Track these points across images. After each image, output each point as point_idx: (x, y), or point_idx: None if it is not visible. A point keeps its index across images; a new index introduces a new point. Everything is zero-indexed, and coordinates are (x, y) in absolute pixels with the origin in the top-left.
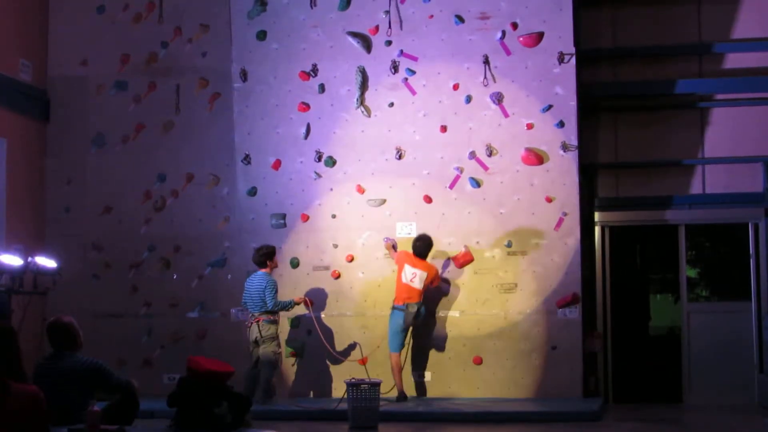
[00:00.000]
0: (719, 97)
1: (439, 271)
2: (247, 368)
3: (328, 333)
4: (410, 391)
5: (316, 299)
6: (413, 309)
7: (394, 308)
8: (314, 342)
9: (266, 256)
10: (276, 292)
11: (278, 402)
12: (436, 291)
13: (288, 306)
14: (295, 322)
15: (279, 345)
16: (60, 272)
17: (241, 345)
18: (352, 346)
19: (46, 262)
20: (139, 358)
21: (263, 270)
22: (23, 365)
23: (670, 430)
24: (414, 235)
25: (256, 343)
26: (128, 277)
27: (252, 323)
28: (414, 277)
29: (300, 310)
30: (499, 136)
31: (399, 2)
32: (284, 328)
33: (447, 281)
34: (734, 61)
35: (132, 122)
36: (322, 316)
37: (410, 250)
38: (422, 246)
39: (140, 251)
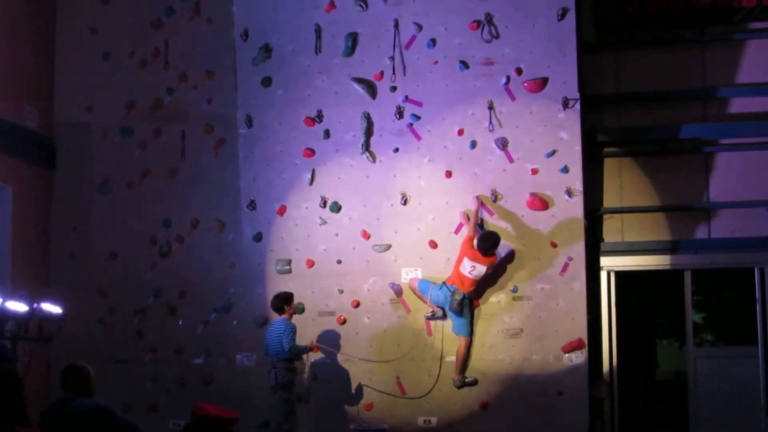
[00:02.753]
0: (724, 141)
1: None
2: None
3: (343, 375)
4: None
5: (330, 341)
6: (459, 296)
7: (444, 286)
8: (319, 387)
9: (284, 302)
10: (294, 336)
11: None
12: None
13: (304, 351)
14: (301, 368)
15: (292, 392)
16: (65, 318)
17: (247, 391)
18: (359, 389)
19: (51, 308)
20: (145, 403)
21: (282, 316)
22: (27, 410)
23: None
24: None
25: (273, 390)
26: (133, 323)
27: (270, 370)
28: (473, 270)
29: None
30: (504, 181)
31: (403, 48)
32: None
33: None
34: (738, 105)
35: (137, 168)
36: (328, 361)
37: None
38: (487, 246)
39: (145, 297)
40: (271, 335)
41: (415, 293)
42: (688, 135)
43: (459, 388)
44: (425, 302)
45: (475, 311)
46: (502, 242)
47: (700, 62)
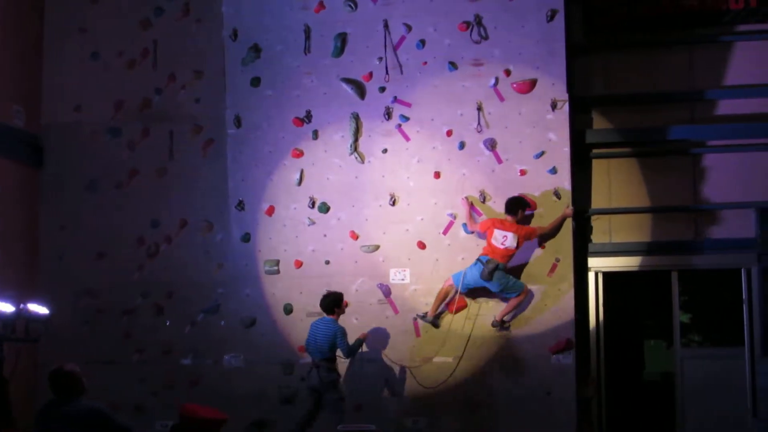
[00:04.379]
0: (711, 143)
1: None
2: (302, 413)
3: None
4: None
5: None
6: (492, 264)
7: (476, 260)
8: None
9: (334, 303)
10: (347, 339)
11: None
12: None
13: (359, 346)
14: (288, 369)
15: (342, 391)
16: (52, 319)
17: (234, 392)
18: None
19: (38, 308)
20: (132, 405)
21: (331, 316)
22: (13, 412)
23: None
24: (407, 281)
25: (314, 389)
26: (121, 323)
27: (311, 369)
28: (505, 239)
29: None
30: (493, 182)
31: (393, 49)
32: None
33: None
34: (726, 107)
35: (125, 168)
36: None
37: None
38: (513, 207)
39: (133, 298)
40: (318, 335)
41: (439, 296)
42: (676, 137)
43: (495, 327)
44: (452, 302)
45: (466, 311)
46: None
47: (688, 64)
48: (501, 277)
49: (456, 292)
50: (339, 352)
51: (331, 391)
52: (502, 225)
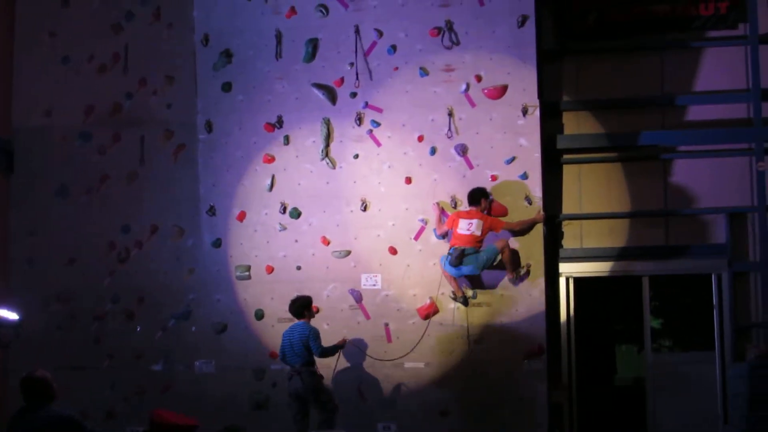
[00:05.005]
0: (682, 148)
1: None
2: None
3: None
4: None
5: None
6: (457, 252)
7: (447, 253)
8: (279, 394)
9: (303, 306)
10: (320, 339)
11: None
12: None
13: (335, 350)
14: (259, 374)
15: (329, 391)
16: (23, 324)
17: (205, 398)
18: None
19: (8, 314)
20: (102, 410)
21: (302, 320)
22: None
23: None
24: (379, 287)
25: (298, 396)
26: (91, 329)
27: (293, 375)
28: (470, 226)
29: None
30: (464, 187)
31: (364, 54)
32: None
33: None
34: (697, 113)
35: (96, 173)
36: (287, 368)
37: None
38: (473, 198)
39: (104, 303)
40: (293, 340)
41: (446, 276)
42: (647, 142)
43: (515, 283)
44: (453, 283)
45: (435, 316)
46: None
47: (658, 70)
48: (472, 259)
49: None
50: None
51: (319, 394)
52: (467, 215)
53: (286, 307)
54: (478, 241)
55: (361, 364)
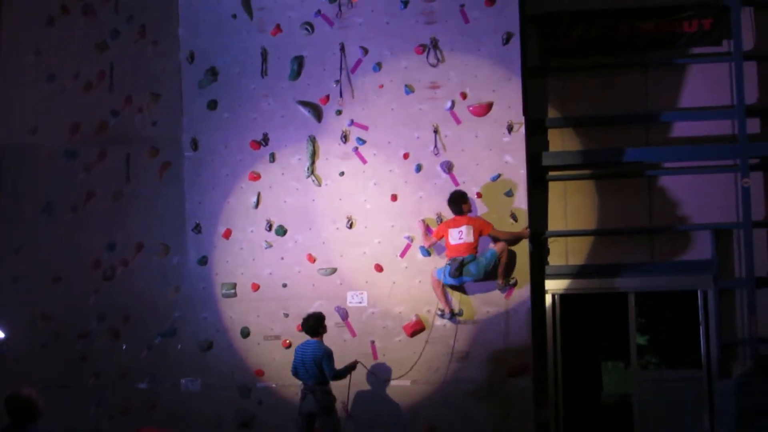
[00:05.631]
0: (667, 165)
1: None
2: None
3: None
4: None
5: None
6: (456, 263)
7: (446, 264)
8: (265, 412)
9: (318, 323)
10: (333, 361)
11: None
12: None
13: (347, 372)
14: (245, 392)
15: (335, 414)
16: (8, 342)
17: (191, 416)
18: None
19: None
20: (88, 429)
21: (315, 338)
22: None
23: None
24: (365, 304)
25: (310, 415)
26: (77, 347)
27: (306, 394)
28: (461, 234)
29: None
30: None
31: (349, 72)
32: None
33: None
34: (681, 129)
35: (82, 191)
36: (273, 386)
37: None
38: (456, 203)
39: (89, 321)
40: (305, 358)
41: (437, 292)
42: (632, 159)
43: (502, 290)
44: (442, 299)
45: (422, 333)
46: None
47: (643, 86)
48: (473, 266)
49: (442, 285)
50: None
51: (328, 416)
52: (454, 223)
53: (272, 325)
54: (474, 247)
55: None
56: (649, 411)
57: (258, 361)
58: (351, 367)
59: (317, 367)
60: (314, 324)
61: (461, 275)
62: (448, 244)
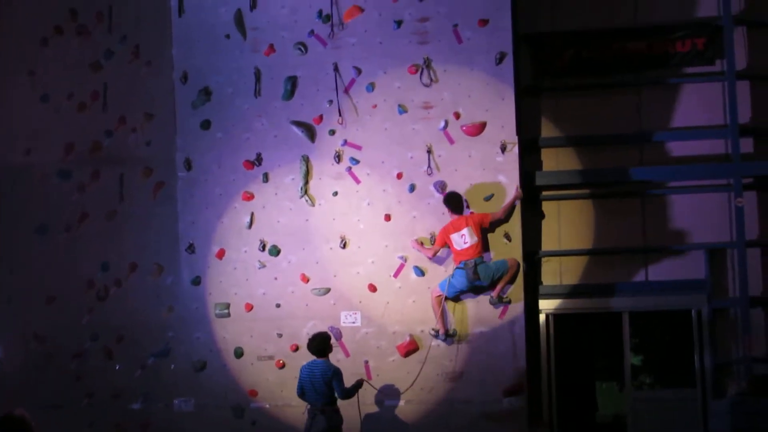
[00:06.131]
0: (661, 184)
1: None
2: None
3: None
4: None
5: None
6: (471, 265)
7: (456, 269)
8: None
9: (324, 344)
10: (343, 380)
11: None
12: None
13: (356, 390)
14: (239, 412)
15: None
16: (1, 362)
17: None
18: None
19: None
20: None
21: (322, 358)
22: None
23: None
24: (358, 324)
25: None
26: (70, 367)
27: (316, 414)
28: (464, 237)
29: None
30: (443, 224)
31: (343, 92)
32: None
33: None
34: (675, 149)
35: (75, 211)
36: (267, 406)
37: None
38: (454, 202)
39: (82, 341)
40: (314, 379)
41: (435, 309)
42: (626, 178)
43: (494, 305)
44: (439, 317)
45: (415, 353)
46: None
47: (636, 106)
48: (484, 270)
49: (444, 298)
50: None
51: None
52: (454, 228)
53: (266, 345)
54: (480, 245)
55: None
56: (644, 431)
57: (251, 381)
58: (358, 386)
59: (327, 387)
60: (321, 344)
61: (480, 279)
62: (455, 251)
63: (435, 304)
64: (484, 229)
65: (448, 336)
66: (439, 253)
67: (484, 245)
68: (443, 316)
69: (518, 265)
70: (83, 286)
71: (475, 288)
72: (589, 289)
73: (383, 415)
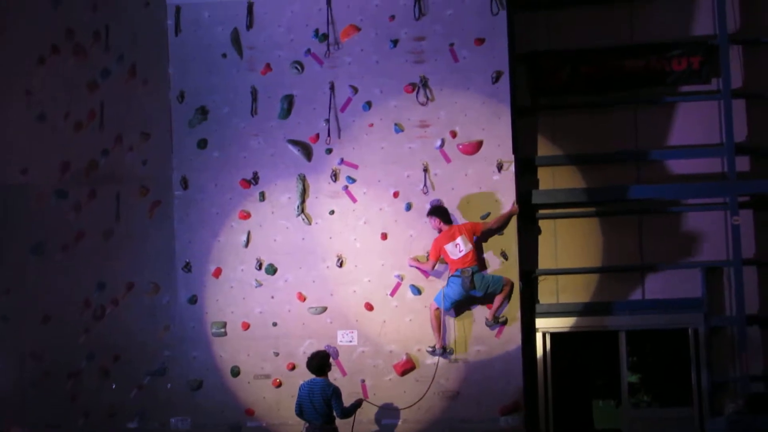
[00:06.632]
0: (657, 203)
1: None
2: None
3: None
4: None
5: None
6: (467, 273)
7: (450, 277)
8: None
9: (324, 361)
10: (342, 399)
11: None
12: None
13: (355, 409)
14: (235, 431)
15: None
16: None
17: None
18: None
19: None
20: None
21: (321, 377)
22: None
23: None
24: (355, 343)
25: None
26: (66, 387)
27: None
28: (458, 246)
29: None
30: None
31: (339, 111)
32: None
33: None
34: (671, 167)
35: (72, 230)
36: (263, 425)
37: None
38: (442, 215)
39: (79, 360)
40: (313, 398)
41: (434, 325)
42: (622, 197)
43: (491, 327)
44: (437, 332)
45: (412, 372)
46: None
47: (632, 125)
48: (480, 279)
49: (443, 312)
50: None
51: None
52: (446, 238)
53: (262, 364)
54: (475, 253)
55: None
56: None
57: (248, 400)
58: (357, 405)
59: (326, 406)
60: (320, 363)
61: (475, 288)
62: (451, 260)
63: (433, 318)
64: (478, 239)
65: (446, 351)
66: (436, 267)
67: (478, 254)
68: (441, 330)
69: (512, 284)
70: (80, 305)
71: (470, 299)
72: (586, 307)
73: None
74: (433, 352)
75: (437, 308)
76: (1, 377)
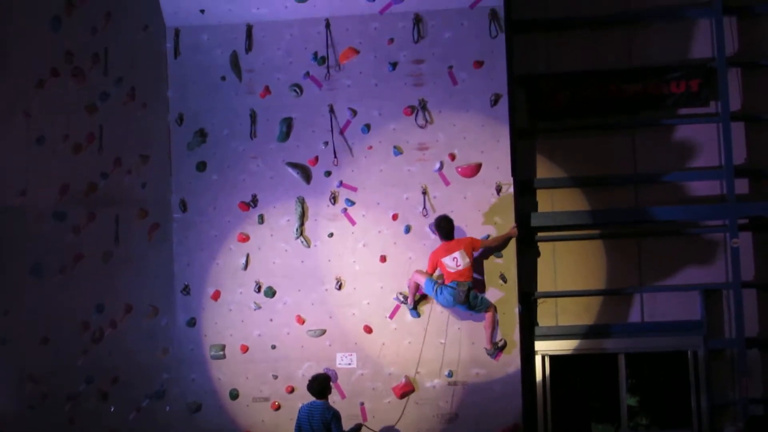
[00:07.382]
0: (656, 225)
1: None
2: None
3: None
4: None
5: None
6: (463, 287)
7: (444, 286)
8: None
9: (324, 386)
10: (341, 423)
11: None
12: None
13: None
14: None
15: None
16: None
17: None
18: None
19: None
20: None
21: (322, 400)
22: None
23: None
24: (354, 366)
25: None
26: (65, 409)
27: None
28: (456, 260)
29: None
30: None
31: (339, 133)
32: None
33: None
34: (670, 190)
35: (70, 253)
36: None
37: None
38: (445, 228)
39: (77, 383)
40: (314, 421)
41: (409, 286)
42: (621, 219)
43: (492, 355)
44: (411, 294)
45: (412, 395)
46: None
47: (631, 147)
48: (473, 297)
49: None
50: None
51: None
52: (445, 251)
53: (261, 387)
54: (471, 271)
55: None
56: None
57: (247, 422)
58: (356, 430)
59: (325, 429)
60: (321, 386)
61: (468, 301)
62: (448, 272)
63: (412, 284)
64: (477, 256)
65: (414, 309)
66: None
67: (475, 270)
68: (413, 296)
69: (495, 310)
70: (78, 327)
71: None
72: (585, 330)
73: None
74: (404, 301)
75: (420, 283)
76: (0, 400)
